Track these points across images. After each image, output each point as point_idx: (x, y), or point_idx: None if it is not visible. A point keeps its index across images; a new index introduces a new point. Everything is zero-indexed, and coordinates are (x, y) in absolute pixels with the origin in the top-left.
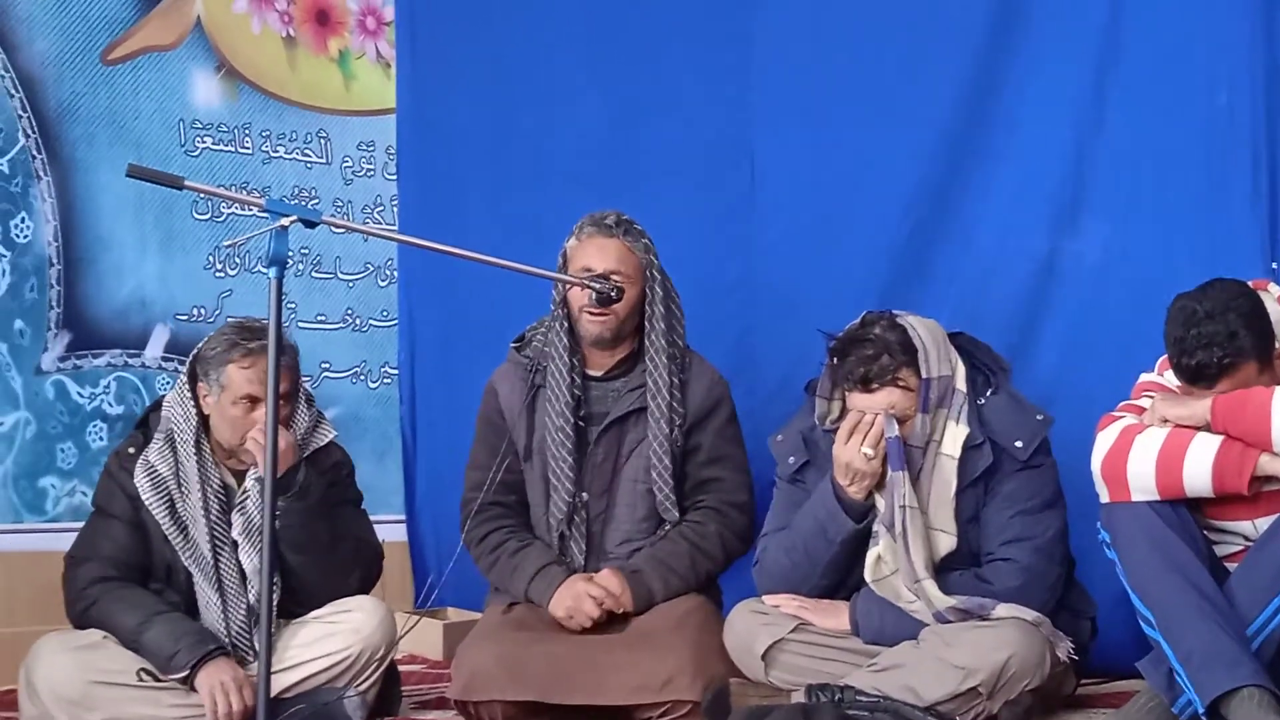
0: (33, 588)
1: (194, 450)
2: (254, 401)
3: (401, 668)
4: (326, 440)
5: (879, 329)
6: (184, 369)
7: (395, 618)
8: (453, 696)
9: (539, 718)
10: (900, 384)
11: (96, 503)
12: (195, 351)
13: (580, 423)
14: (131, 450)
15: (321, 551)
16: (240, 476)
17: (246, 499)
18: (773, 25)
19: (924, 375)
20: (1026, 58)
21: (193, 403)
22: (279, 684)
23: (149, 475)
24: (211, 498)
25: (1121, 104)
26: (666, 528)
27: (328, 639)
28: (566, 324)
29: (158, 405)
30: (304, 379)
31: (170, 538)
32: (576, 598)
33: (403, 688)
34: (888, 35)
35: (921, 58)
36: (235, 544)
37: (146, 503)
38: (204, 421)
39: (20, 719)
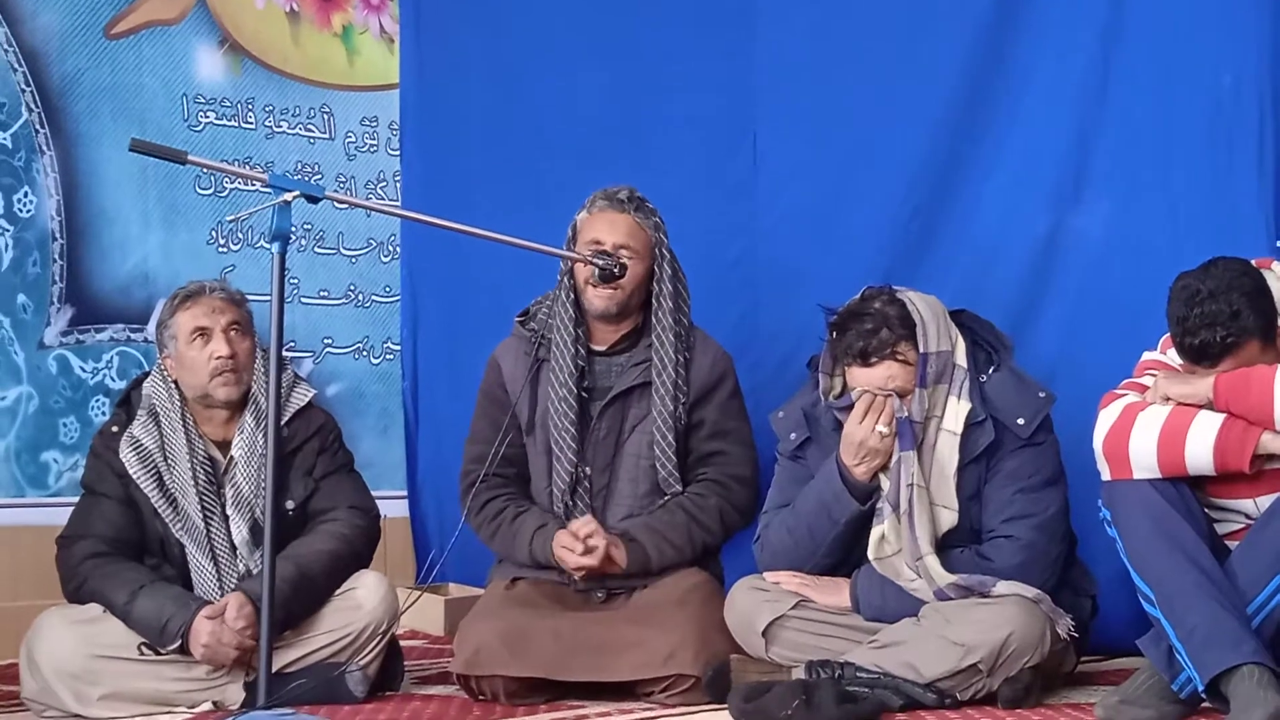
0: (35, 562)
1: (180, 421)
2: (205, 334)
3: (403, 643)
4: (305, 401)
5: (879, 303)
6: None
7: (397, 593)
8: (456, 671)
9: (541, 693)
10: (899, 358)
11: (86, 483)
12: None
13: (583, 394)
14: (115, 429)
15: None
16: (224, 448)
17: (236, 470)
18: (775, 3)
19: (922, 350)
20: (1030, 36)
21: (170, 376)
22: (281, 659)
23: (135, 450)
24: (198, 468)
25: (1126, 83)
26: (666, 498)
27: (330, 614)
28: (572, 295)
29: (138, 383)
30: (307, 354)
31: (160, 510)
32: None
33: (404, 663)
34: (890, 14)
35: (924, 36)
36: (225, 514)
37: (134, 477)
38: (183, 396)
39: (22, 693)
